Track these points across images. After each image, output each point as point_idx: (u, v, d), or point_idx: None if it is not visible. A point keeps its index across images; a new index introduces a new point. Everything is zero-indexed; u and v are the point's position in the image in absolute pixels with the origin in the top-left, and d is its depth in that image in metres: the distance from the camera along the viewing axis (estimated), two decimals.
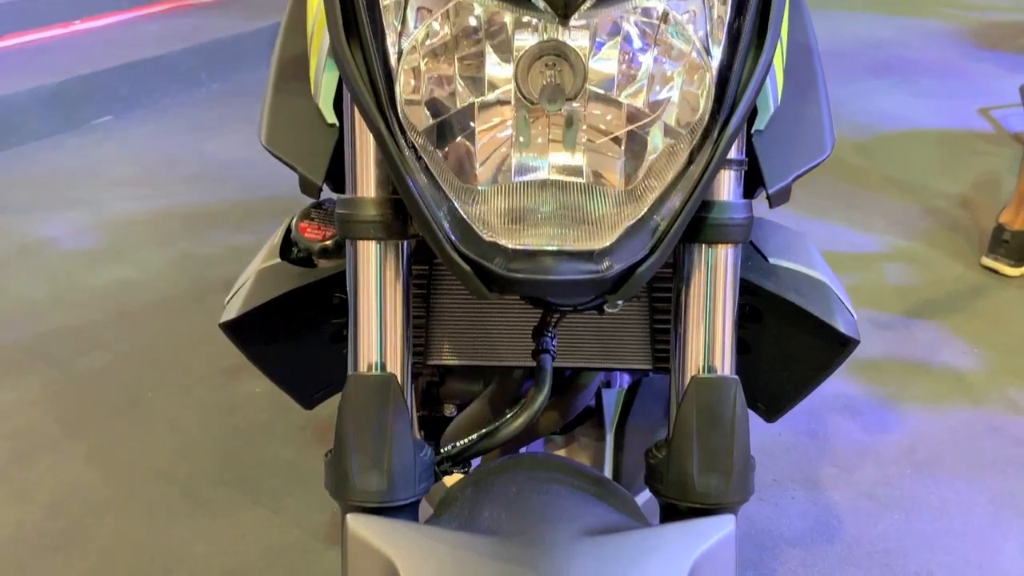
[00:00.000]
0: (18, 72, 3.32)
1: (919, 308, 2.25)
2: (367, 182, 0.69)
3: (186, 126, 3.39)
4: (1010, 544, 1.55)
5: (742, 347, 0.83)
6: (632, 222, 0.62)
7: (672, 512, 0.70)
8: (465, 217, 0.63)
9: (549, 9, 0.57)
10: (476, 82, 0.60)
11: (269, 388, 2.06)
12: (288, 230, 0.89)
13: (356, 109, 0.67)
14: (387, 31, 0.62)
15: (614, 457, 1.05)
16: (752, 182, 0.75)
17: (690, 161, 0.63)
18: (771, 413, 0.92)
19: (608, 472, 1.04)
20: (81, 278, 2.37)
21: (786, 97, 0.76)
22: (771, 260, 0.83)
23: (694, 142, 0.63)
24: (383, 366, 0.70)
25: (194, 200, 2.81)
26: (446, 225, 0.63)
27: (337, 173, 0.76)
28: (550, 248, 0.61)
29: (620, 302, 0.67)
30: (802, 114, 0.77)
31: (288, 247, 0.89)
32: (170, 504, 1.65)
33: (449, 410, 1.10)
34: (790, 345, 0.84)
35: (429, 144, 0.62)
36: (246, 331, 0.88)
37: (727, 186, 0.69)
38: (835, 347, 0.83)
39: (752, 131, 0.75)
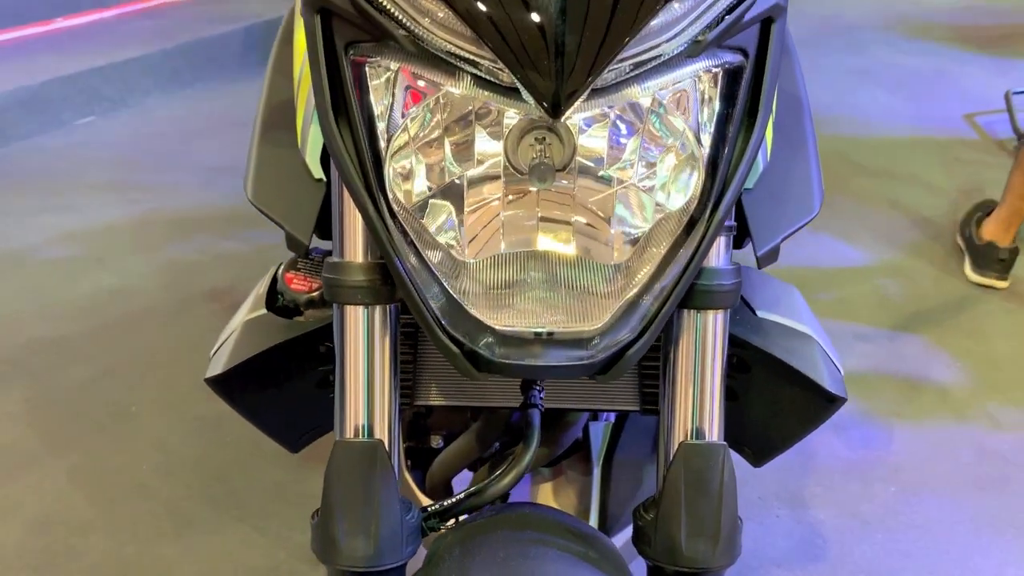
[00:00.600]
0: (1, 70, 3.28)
1: (904, 321, 2.26)
2: (354, 246, 0.69)
3: (170, 128, 3.35)
4: (989, 562, 1.56)
5: (730, 394, 0.83)
6: (621, 303, 0.62)
7: (659, 575, 0.71)
8: (455, 297, 0.62)
9: (540, 106, 0.56)
10: (465, 158, 0.60)
11: None
12: (274, 280, 0.88)
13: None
14: (376, 111, 0.61)
15: (601, 491, 1.05)
16: (740, 234, 0.76)
17: (680, 241, 0.63)
18: (758, 459, 0.93)
19: (595, 506, 1.04)
20: (64, 287, 2.35)
21: (775, 153, 0.76)
22: (759, 313, 0.83)
23: (684, 221, 0.63)
24: (370, 431, 0.69)
25: (179, 205, 2.78)
26: (435, 307, 0.62)
27: (323, 221, 0.76)
28: (539, 330, 0.61)
29: None
30: (791, 172, 0.78)
31: (274, 296, 0.88)
32: (156, 522, 1.64)
33: (436, 441, 1.10)
34: (777, 398, 0.84)
35: (417, 221, 0.62)
36: (233, 385, 0.87)
37: (716, 252, 0.69)
38: (821, 404, 0.83)
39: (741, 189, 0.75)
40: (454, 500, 0.76)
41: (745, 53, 0.62)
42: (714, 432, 0.70)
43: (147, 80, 3.47)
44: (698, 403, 0.70)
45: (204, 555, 1.56)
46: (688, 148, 0.61)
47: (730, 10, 0.59)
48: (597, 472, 1.04)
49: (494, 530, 0.72)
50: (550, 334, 0.62)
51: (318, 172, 0.76)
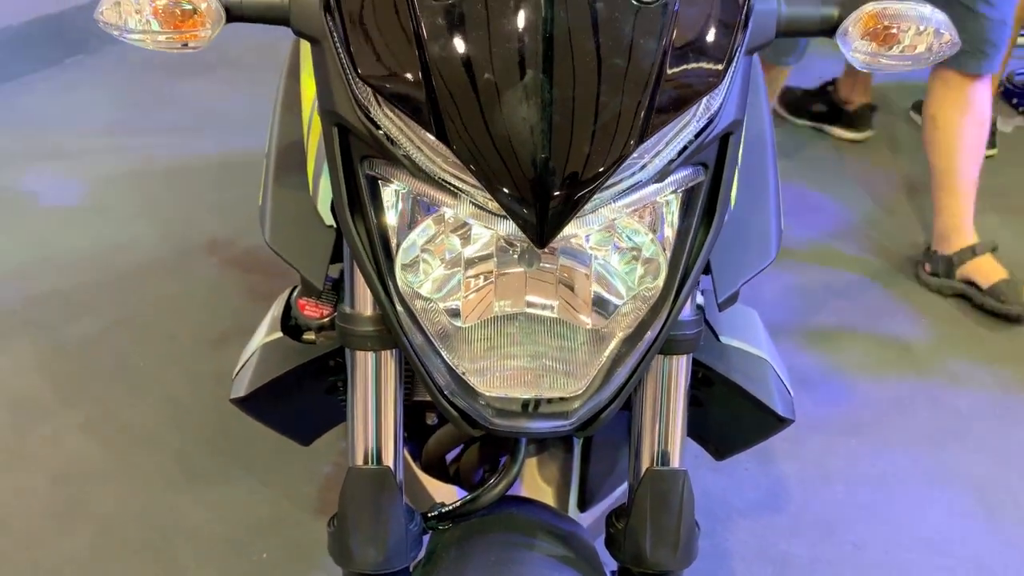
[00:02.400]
0: None
1: (873, 275, 2.37)
2: (364, 300, 0.78)
3: (160, 65, 3.34)
4: (936, 511, 1.71)
5: (695, 401, 0.94)
6: (597, 374, 0.72)
7: (627, 574, 0.83)
8: (454, 368, 0.72)
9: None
10: (464, 242, 0.69)
11: None
12: (288, 305, 0.96)
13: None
14: (386, 216, 0.70)
15: (581, 469, 1.16)
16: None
17: (648, 320, 0.72)
18: (720, 455, 1.05)
19: (575, 483, 1.16)
20: (66, 238, 2.42)
21: (739, 201, 0.84)
22: (722, 339, 0.93)
23: (652, 302, 0.72)
24: (379, 458, 0.80)
25: (172, 153, 2.82)
26: (437, 376, 0.72)
27: (333, 254, 0.85)
28: (527, 398, 0.71)
29: None
30: (753, 218, 0.86)
31: (288, 318, 0.97)
32: (166, 473, 1.76)
33: (431, 419, 1.20)
34: (735, 412, 0.95)
35: (422, 300, 0.71)
36: (255, 404, 0.97)
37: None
38: (772, 422, 0.94)
39: None
40: (451, 507, 0.88)
41: (706, 165, 0.71)
42: (676, 459, 0.82)
43: None
44: (663, 434, 0.81)
45: (212, 505, 1.68)
46: (653, 249, 0.70)
47: (696, 134, 0.66)
48: (577, 452, 1.16)
49: (486, 532, 0.83)
50: (536, 404, 0.72)
51: (329, 220, 0.84)
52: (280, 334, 0.96)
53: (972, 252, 2.24)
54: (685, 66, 0.61)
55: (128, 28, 0.67)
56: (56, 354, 2.03)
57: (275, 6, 0.69)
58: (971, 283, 2.23)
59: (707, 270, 0.82)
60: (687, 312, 0.79)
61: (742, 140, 0.88)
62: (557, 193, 0.60)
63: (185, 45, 0.68)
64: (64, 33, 3.26)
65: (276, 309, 1.00)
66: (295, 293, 0.95)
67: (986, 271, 2.21)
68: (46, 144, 2.85)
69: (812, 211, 2.62)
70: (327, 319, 0.90)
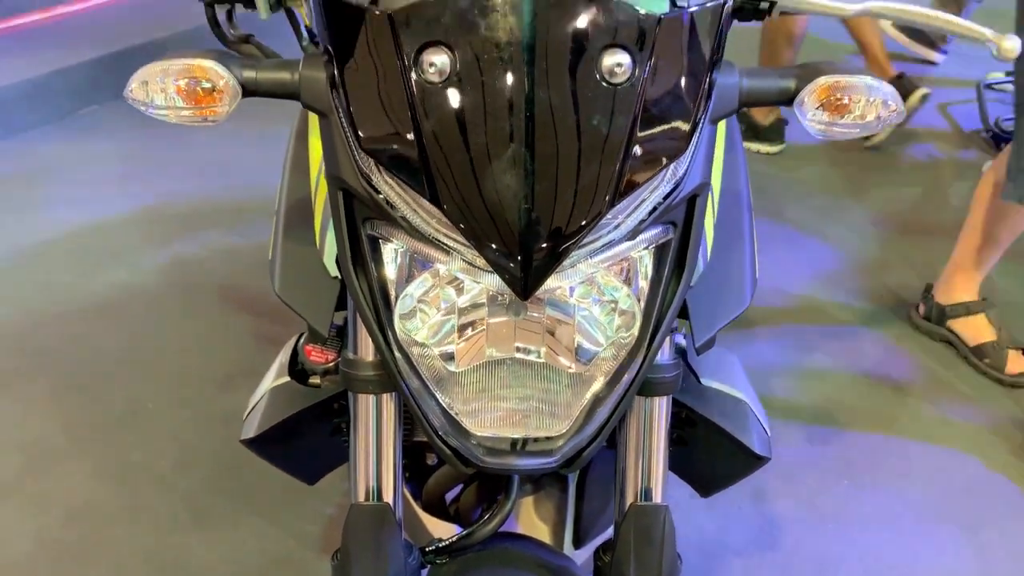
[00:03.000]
0: (2, 63, 3.36)
1: (866, 319, 2.42)
2: (366, 347, 0.85)
3: None
4: (928, 549, 1.74)
5: (680, 441, 0.99)
6: (579, 413, 0.78)
7: None
8: (448, 410, 0.78)
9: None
10: (457, 299, 0.75)
11: None
12: (295, 351, 1.03)
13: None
14: (386, 271, 0.77)
15: (576, 507, 1.21)
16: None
17: (625, 364, 0.78)
18: (705, 491, 1.10)
19: (570, 521, 1.21)
20: (78, 283, 2.49)
21: (715, 252, 0.90)
22: (703, 380, 0.99)
23: (629, 348, 0.78)
24: (379, 495, 0.86)
25: (184, 199, 2.91)
26: (434, 419, 0.78)
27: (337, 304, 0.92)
28: (516, 438, 0.77)
29: None
30: (728, 268, 0.93)
31: (295, 363, 1.04)
32: (175, 513, 1.81)
33: (431, 459, 1.26)
34: (716, 451, 1.00)
35: (418, 347, 0.78)
36: (264, 444, 1.03)
37: (661, 349, 0.84)
38: (750, 461, 0.99)
39: None
40: (448, 542, 0.93)
41: (675, 224, 0.78)
42: (658, 495, 0.87)
43: None
44: (645, 471, 0.87)
45: (221, 545, 1.73)
46: (629, 302, 0.76)
47: (664, 196, 0.73)
48: (572, 491, 1.21)
49: (481, 566, 0.89)
50: (524, 443, 0.79)
51: (334, 272, 0.91)
52: (287, 378, 1.03)
53: (966, 309, 2.25)
54: (652, 137, 0.68)
55: (154, 104, 0.74)
56: (68, 396, 2.09)
57: (287, 83, 0.76)
58: (958, 337, 2.27)
59: (686, 315, 0.88)
60: (665, 356, 0.85)
61: (719, 194, 0.95)
62: (538, 250, 0.67)
63: (204, 119, 0.75)
64: (78, 85, 3.37)
65: (284, 355, 1.06)
66: (302, 340, 1.01)
67: (975, 330, 2.24)
68: (61, 191, 2.94)
69: (803, 251, 2.69)
70: (332, 364, 0.96)
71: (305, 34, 0.86)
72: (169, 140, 3.29)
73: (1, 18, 3.60)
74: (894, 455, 1.97)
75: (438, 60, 0.64)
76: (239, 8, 0.87)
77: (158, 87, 0.73)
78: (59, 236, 2.71)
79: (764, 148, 3.24)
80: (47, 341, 2.26)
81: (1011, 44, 0.83)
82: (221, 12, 0.91)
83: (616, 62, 0.65)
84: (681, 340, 0.92)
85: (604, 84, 0.65)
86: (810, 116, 0.76)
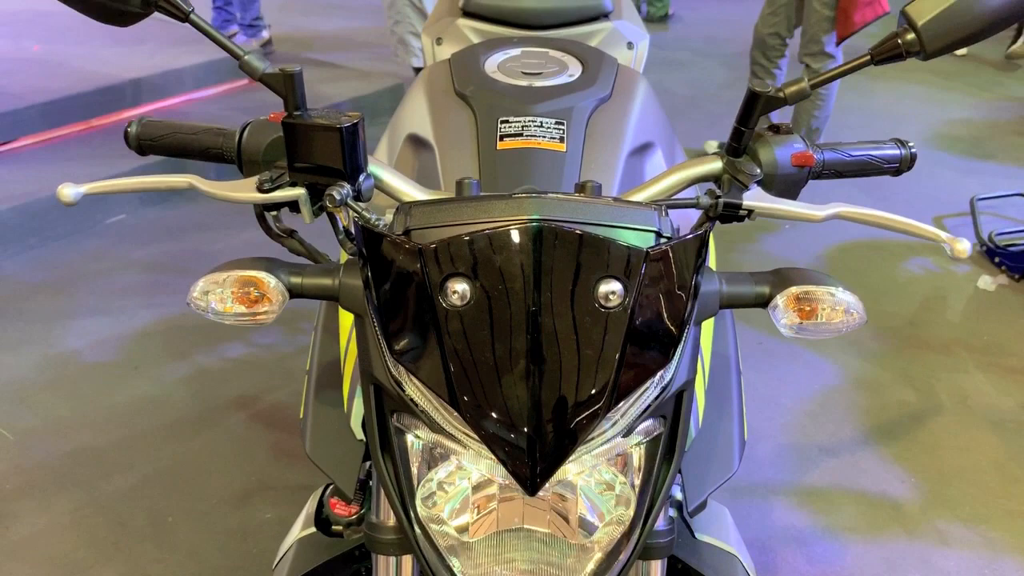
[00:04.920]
0: (40, 175, 3.55)
1: (865, 435, 2.49)
2: (388, 512, 0.94)
3: (195, 225, 3.61)
4: None
5: None
6: None
7: None
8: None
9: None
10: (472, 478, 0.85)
11: (277, 515, 2.28)
12: (321, 502, 1.12)
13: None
14: (410, 459, 0.86)
15: None
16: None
17: (622, 542, 0.87)
18: None
19: None
20: (102, 395, 2.58)
21: (705, 418, 0.99)
22: (697, 536, 1.07)
23: (625, 526, 0.87)
24: None
25: None
26: None
27: None
28: None
29: None
30: (718, 433, 1.02)
31: (321, 512, 1.12)
32: None
33: None
34: None
35: (438, 523, 0.87)
36: None
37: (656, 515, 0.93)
38: None
39: None
40: None
41: (665, 417, 0.87)
42: None
43: None
44: None
45: None
46: (623, 488, 0.86)
47: (655, 397, 0.83)
48: None
49: None
50: None
51: (359, 435, 1.00)
52: (313, 529, 1.11)
53: None
54: (642, 351, 0.78)
55: (212, 310, 0.86)
56: (91, 511, 2.16)
57: (328, 288, 0.87)
58: None
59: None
60: (661, 523, 0.93)
61: (709, 359, 1.05)
62: (544, 453, 0.76)
63: (256, 321, 0.86)
64: (109, 196, 3.53)
65: (310, 505, 1.15)
66: (327, 492, 1.10)
67: None
68: (88, 301, 3.07)
69: (801, 365, 2.77)
70: (355, 516, 1.05)
71: (342, 232, 0.98)
72: (194, 249, 3.43)
73: (40, 131, 3.80)
74: (896, 573, 2.02)
75: (460, 288, 0.75)
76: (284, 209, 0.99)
77: (218, 296, 0.84)
78: (85, 347, 2.82)
79: None
80: (72, 454, 2.34)
81: (963, 246, 0.94)
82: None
83: (610, 290, 0.75)
84: (677, 493, 1.00)
85: (600, 309, 0.76)
86: (782, 320, 0.87)
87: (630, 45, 1.90)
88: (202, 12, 5.09)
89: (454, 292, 0.75)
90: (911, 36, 0.89)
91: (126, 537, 2.08)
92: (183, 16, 0.92)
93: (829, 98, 3.89)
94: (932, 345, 2.91)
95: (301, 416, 1.08)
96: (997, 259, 3.37)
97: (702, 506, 0.97)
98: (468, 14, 1.92)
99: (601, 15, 1.92)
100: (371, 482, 1.00)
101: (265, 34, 5.08)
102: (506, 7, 1.87)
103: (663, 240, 0.80)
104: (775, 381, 2.70)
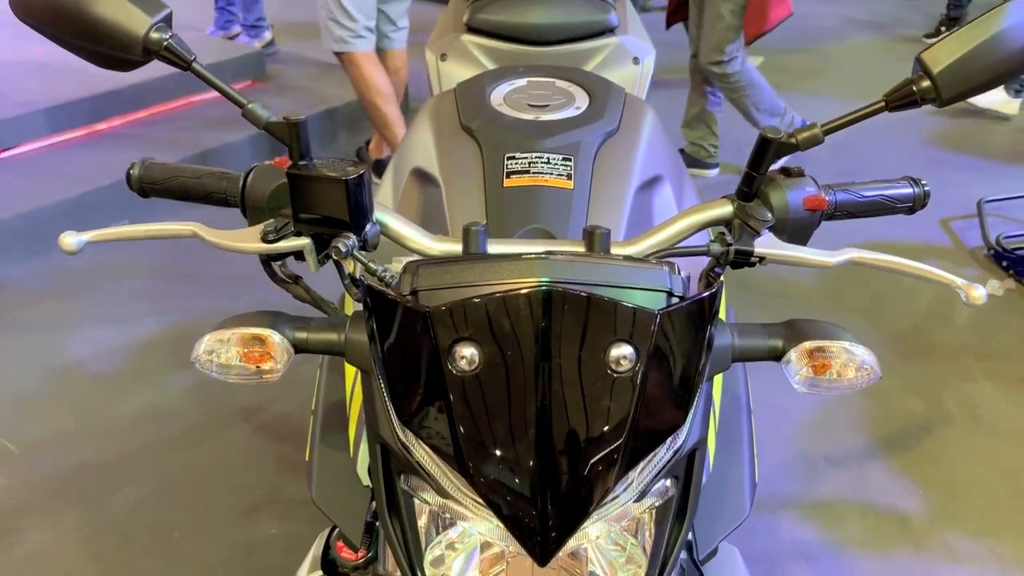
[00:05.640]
0: (43, 181, 3.53)
1: (872, 446, 2.48)
2: (395, 566, 0.92)
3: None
4: None
5: None
6: None
7: None
8: None
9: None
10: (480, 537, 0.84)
11: (283, 530, 2.28)
12: (327, 545, 1.11)
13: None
14: (419, 518, 0.85)
15: None
16: None
17: None
18: None
19: None
20: (107, 406, 2.58)
21: (716, 461, 0.98)
22: None
23: None
24: None
25: (211, 317, 3.01)
26: None
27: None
28: None
29: None
30: (729, 477, 1.00)
31: (327, 554, 1.11)
32: None
33: None
34: None
35: None
36: None
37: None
38: None
39: None
40: None
41: (677, 477, 0.86)
42: None
43: None
44: None
45: None
46: (635, 550, 0.84)
47: (667, 460, 0.82)
48: None
49: None
50: None
51: (366, 480, 0.99)
52: (320, 573, 1.10)
53: None
54: (654, 415, 0.76)
55: (216, 369, 0.85)
56: (97, 526, 2.16)
57: (334, 343, 0.86)
58: None
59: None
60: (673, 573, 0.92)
61: (719, 403, 1.03)
62: (554, 524, 0.75)
63: (261, 378, 0.85)
64: (111, 202, 3.53)
65: (316, 548, 1.14)
66: (333, 535, 1.09)
67: None
68: (93, 309, 3.06)
69: None
70: (362, 560, 1.04)
71: (348, 278, 0.96)
72: (200, 256, 3.42)
73: (43, 136, 3.79)
74: None
75: (468, 353, 0.74)
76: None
77: (221, 354, 0.83)
78: (90, 356, 2.81)
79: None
80: (77, 468, 2.34)
81: (978, 293, 0.92)
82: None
83: (621, 355, 0.74)
84: (688, 535, 0.99)
85: (611, 374, 0.74)
86: (796, 375, 0.85)
87: (636, 60, 1.88)
88: (205, 12, 5.07)
89: (462, 357, 0.74)
90: (926, 83, 0.87)
91: (132, 553, 2.08)
92: (185, 65, 0.91)
93: (755, 83, 3.79)
94: (939, 352, 2.89)
95: (307, 458, 1.07)
96: (1005, 263, 3.34)
97: (713, 552, 0.96)
98: (472, 30, 1.90)
99: (607, 30, 1.90)
100: (377, 524, 0.98)
101: (268, 35, 5.05)
102: (511, 23, 1.85)
103: (675, 299, 0.78)
104: (782, 390, 2.68)
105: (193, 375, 2.72)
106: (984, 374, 2.79)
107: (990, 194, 3.79)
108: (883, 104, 0.89)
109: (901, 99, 0.89)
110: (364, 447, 0.98)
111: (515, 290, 0.73)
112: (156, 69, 4.55)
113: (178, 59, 0.91)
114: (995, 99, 4.62)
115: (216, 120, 4.14)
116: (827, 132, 0.89)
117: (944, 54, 0.86)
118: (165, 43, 0.89)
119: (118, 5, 0.88)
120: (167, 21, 0.90)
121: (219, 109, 4.35)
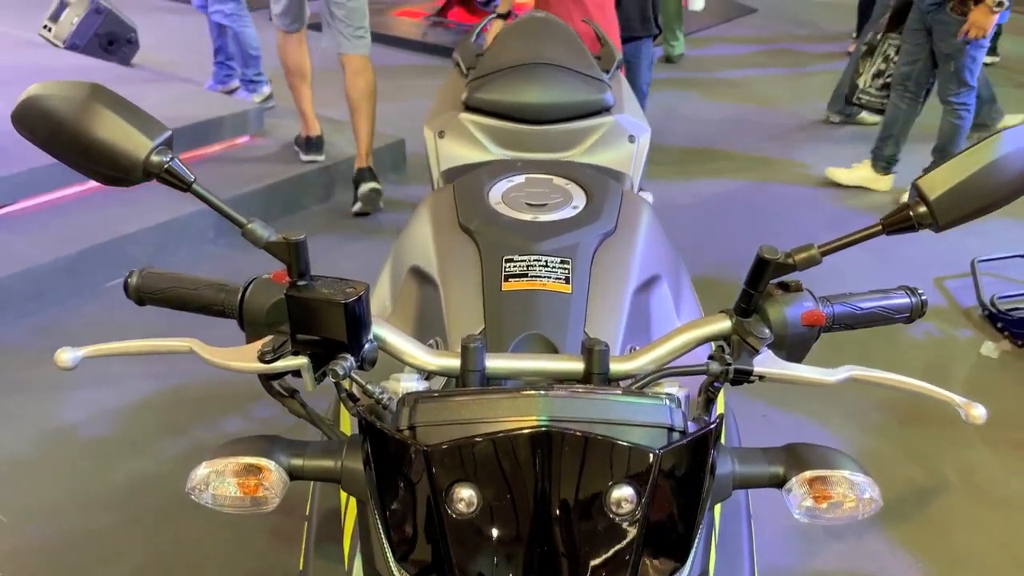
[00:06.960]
0: (39, 238, 3.54)
1: (871, 515, 2.46)
2: None
3: None
4: None
5: None
6: None
7: None
8: None
9: None
10: None
11: None
12: None
13: None
14: None
15: None
16: None
17: None
18: None
19: None
20: (99, 473, 2.55)
21: (717, 569, 0.97)
22: None
23: None
24: None
25: (202, 381, 3.00)
26: None
27: None
28: None
29: None
30: None
31: None
32: None
33: None
34: None
35: None
36: None
37: None
38: None
39: None
40: None
41: None
42: None
43: (173, 239, 3.74)
44: None
45: None
46: None
47: None
48: None
49: None
50: None
51: None
52: None
53: None
54: (657, 554, 0.76)
55: (210, 500, 0.84)
56: None
57: (330, 470, 0.85)
58: None
59: None
60: None
61: (719, 513, 1.02)
62: None
63: (257, 507, 0.84)
64: (107, 259, 3.53)
65: None
66: None
67: None
68: (86, 371, 3.02)
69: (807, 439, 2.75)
70: None
71: (344, 392, 0.96)
72: (194, 322, 3.41)
73: (40, 193, 3.80)
74: None
75: (466, 495, 0.73)
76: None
77: (218, 487, 0.82)
78: (82, 420, 2.79)
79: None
80: (68, 538, 2.31)
81: (978, 412, 0.92)
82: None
83: (622, 496, 0.74)
84: None
85: (612, 516, 0.74)
86: (797, 504, 0.85)
87: (631, 138, 1.90)
88: (203, 66, 5.11)
89: (460, 500, 0.74)
90: (923, 209, 0.88)
91: None
92: (185, 187, 0.92)
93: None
94: (936, 417, 2.88)
95: (300, 568, 1.06)
96: (1000, 324, 3.35)
97: None
98: (470, 108, 1.92)
99: (603, 109, 1.92)
100: None
101: (266, 89, 5.10)
102: (508, 102, 1.87)
103: (675, 435, 0.78)
104: None
105: (187, 442, 2.70)
106: (981, 439, 2.79)
107: (983, 253, 3.81)
108: (880, 228, 0.90)
109: (898, 224, 0.90)
110: (359, 563, 0.97)
111: (514, 431, 0.73)
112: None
113: (179, 181, 0.92)
114: (864, 176, 4.68)
115: (214, 174, 4.16)
116: (825, 253, 0.89)
117: (940, 181, 0.87)
118: (166, 166, 0.90)
119: (119, 128, 0.89)
120: (168, 144, 0.91)
121: (220, 164, 4.37)
